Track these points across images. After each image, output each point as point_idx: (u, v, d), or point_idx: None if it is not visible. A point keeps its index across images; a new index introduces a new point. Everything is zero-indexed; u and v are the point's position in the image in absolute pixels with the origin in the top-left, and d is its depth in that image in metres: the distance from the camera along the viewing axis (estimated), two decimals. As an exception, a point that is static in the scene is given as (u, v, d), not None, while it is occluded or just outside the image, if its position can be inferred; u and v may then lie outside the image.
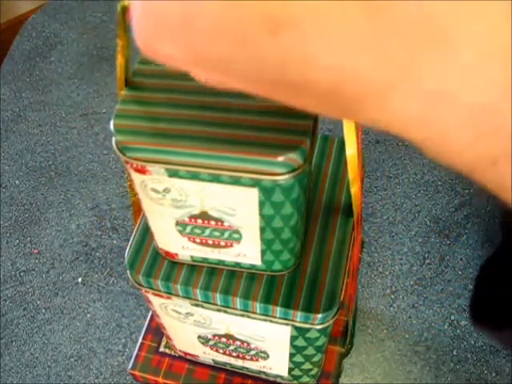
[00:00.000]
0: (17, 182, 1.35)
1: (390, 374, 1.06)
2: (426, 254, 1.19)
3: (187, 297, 0.50)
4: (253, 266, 0.47)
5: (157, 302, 0.53)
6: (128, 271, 0.50)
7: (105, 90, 1.49)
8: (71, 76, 1.53)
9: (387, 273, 1.17)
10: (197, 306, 0.51)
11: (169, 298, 0.51)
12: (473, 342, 1.08)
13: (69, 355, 1.11)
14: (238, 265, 0.47)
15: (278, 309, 0.47)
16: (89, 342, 1.12)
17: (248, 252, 0.44)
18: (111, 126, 0.36)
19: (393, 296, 1.14)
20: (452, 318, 1.11)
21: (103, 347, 1.12)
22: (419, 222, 1.23)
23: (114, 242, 1.24)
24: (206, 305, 0.50)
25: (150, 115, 0.35)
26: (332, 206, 0.52)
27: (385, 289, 1.15)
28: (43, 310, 1.17)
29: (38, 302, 1.18)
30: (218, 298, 0.48)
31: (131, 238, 0.52)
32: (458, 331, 1.09)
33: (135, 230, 0.52)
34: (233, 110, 0.35)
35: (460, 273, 1.16)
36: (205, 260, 0.47)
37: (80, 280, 1.20)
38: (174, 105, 0.36)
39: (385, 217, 1.24)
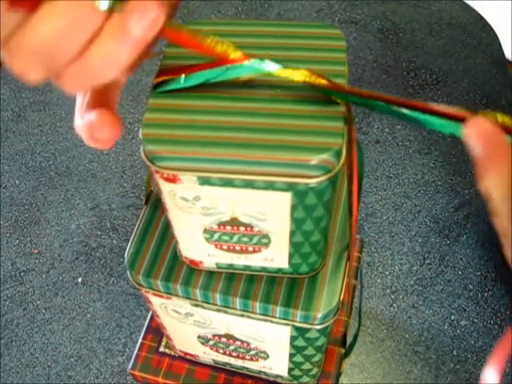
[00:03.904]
0: (17, 181, 1.35)
1: (390, 374, 1.06)
2: (426, 254, 1.19)
3: (187, 297, 0.50)
4: (279, 270, 0.47)
5: (157, 303, 0.53)
6: (128, 271, 0.50)
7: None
8: (71, 76, 1.53)
9: (387, 273, 1.17)
10: (197, 306, 0.51)
11: (169, 298, 0.51)
12: (473, 342, 1.08)
13: (69, 355, 1.11)
14: (264, 269, 0.47)
15: (278, 308, 0.47)
16: (89, 342, 1.12)
17: (275, 256, 0.44)
18: (140, 136, 0.35)
19: (393, 296, 1.14)
20: (452, 317, 1.11)
21: (103, 347, 1.12)
22: (419, 222, 1.23)
23: (114, 241, 1.24)
24: (205, 305, 0.50)
25: (179, 123, 0.35)
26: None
27: (385, 289, 1.15)
28: (43, 310, 1.17)
29: (38, 302, 1.18)
30: (218, 298, 0.48)
31: (131, 238, 0.52)
32: (458, 331, 1.09)
33: (135, 229, 0.52)
34: (263, 115, 0.35)
35: (460, 273, 1.16)
36: (230, 266, 0.47)
37: (80, 280, 1.20)
38: (203, 111, 0.35)
39: (385, 217, 1.24)
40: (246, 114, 0.35)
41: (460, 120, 0.28)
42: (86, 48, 0.27)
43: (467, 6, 1.60)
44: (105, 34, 0.27)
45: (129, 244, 0.51)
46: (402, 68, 1.49)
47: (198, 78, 0.35)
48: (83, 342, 1.12)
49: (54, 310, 1.16)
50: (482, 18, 1.57)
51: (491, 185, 0.26)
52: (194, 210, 0.39)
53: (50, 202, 1.31)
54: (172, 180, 0.36)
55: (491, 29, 1.54)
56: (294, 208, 0.38)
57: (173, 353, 0.72)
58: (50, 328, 1.14)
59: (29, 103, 1.49)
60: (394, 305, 1.13)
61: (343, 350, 0.73)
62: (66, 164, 1.37)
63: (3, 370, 1.10)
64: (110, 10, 0.26)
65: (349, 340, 0.78)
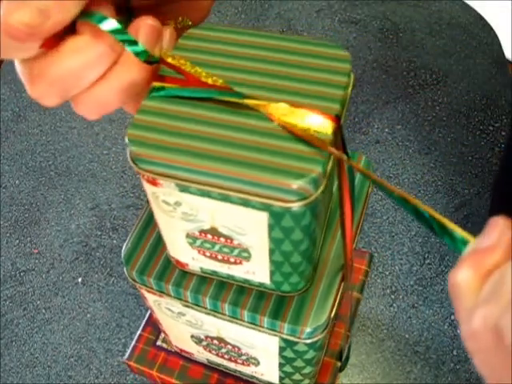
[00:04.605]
0: (17, 181, 1.35)
1: (390, 374, 1.06)
2: (426, 254, 1.19)
3: (178, 298, 0.50)
4: (262, 285, 0.46)
5: (151, 299, 0.54)
6: (124, 266, 0.50)
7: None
8: (72, 76, 1.54)
9: (387, 273, 1.17)
10: (187, 307, 0.51)
11: (161, 296, 0.51)
12: (473, 342, 1.08)
13: (69, 355, 1.11)
14: (247, 281, 0.47)
15: (266, 319, 0.47)
16: (89, 342, 1.13)
17: (257, 271, 0.44)
18: (126, 136, 0.35)
19: (393, 296, 1.14)
20: (452, 317, 1.11)
21: (103, 347, 1.12)
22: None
23: (114, 241, 1.24)
24: (196, 307, 0.50)
25: (167, 128, 0.35)
26: (333, 220, 0.51)
27: (385, 289, 1.15)
28: (43, 310, 1.17)
29: (38, 302, 1.18)
30: (208, 302, 0.48)
31: (130, 234, 0.52)
32: (458, 331, 1.09)
33: (135, 226, 0.53)
34: (249, 131, 0.34)
35: (460, 273, 1.16)
36: (214, 273, 0.47)
37: (80, 280, 1.20)
38: (191, 120, 0.35)
39: (385, 217, 1.24)
40: (233, 128, 0.34)
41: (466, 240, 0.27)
42: (103, 77, 0.31)
43: (467, 5, 1.60)
44: (121, 63, 0.31)
45: (127, 239, 0.52)
46: (402, 68, 1.48)
47: (189, 92, 0.35)
48: (83, 342, 1.13)
49: (53, 310, 1.17)
50: (482, 18, 1.57)
51: (466, 274, 0.25)
52: (176, 215, 0.39)
53: (49, 202, 1.31)
54: (153, 183, 0.36)
55: (491, 29, 1.54)
56: (271, 227, 0.37)
57: (169, 348, 0.72)
58: (50, 328, 1.15)
59: (29, 103, 1.50)
60: (394, 305, 1.13)
61: (339, 363, 0.72)
62: (66, 164, 1.38)
63: (3, 370, 1.10)
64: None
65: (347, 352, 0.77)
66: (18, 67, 0.31)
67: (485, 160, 1.30)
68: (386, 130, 1.37)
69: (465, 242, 0.27)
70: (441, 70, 1.48)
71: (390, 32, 1.57)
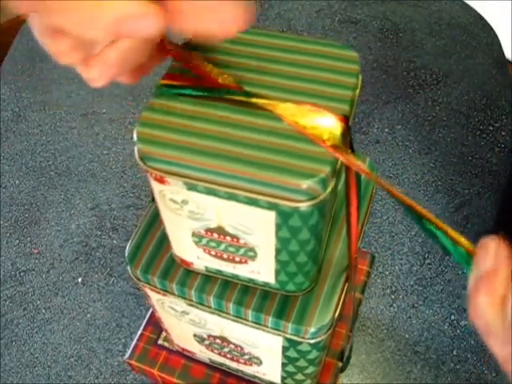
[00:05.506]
0: (17, 181, 1.35)
1: (390, 374, 1.06)
2: (426, 254, 1.19)
3: (182, 297, 0.50)
4: (266, 284, 0.47)
5: (154, 297, 0.54)
6: (128, 265, 0.50)
7: (105, 89, 1.49)
8: (71, 76, 1.53)
9: (387, 273, 1.17)
10: (191, 306, 0.51)
11: (165, 295, 0.51)
12: (473, 342, 1.08)
13: (69, 355, 1.11)
14: (251, 281, 0.47)
15: (270, 318, 0.47)
16: (89, 342, 1.12)
17: (262, 270, 0.44)
18: (134, 134, 0.35)
19: (393, 296, 1.14)
20: (452, 317, 1.11)
21: (103, 347, 1.12)
22: (419, 222, 1.23)
23: (114, 241, 1.24)
24: (200, 306, 0.50)
25: (175, 126, 0.35)
26: (337, 220, 0.52)
27: (385, 289, 1.15)
28: (43, 310, 1.17)
29: (38, 302, 1.18)
30: (212, 301, 0.48)
31: (133, 233, 0.52)
32: (458, 331, 1.09)
33: (139, 224, 0.53)
34: (257, 130, 0.35)
35: (460, 273, 1.16)
36: (219, 272, 0.47)
37: (80, 280, 1.20)
38: (199, 118, 0.35)
39: (385, 217, 1.24)
40: (242, 128, 0.34)
41: (470, 253, 0.30)
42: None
43: (467, 5, 1.60)
44: None
45: (131, 238, 0.52)
46: (402, 68, 1.48)
47: (198, 91, 0.35)
48: (83, 342, 1.12)
49: (53, 309, 1.17)
50: (482, 18, 1.57)
51: (484, 302, 0.28)
52: (183, 213, 0.39)
53: (49, 202, 1.31)
54: (161, 181, 0.36)
55: (491, 29, 1.54)
56: (278, 227, 0.37)
57: (171, 347, 0.72)
58: (50, 328, 1.14)
59: (29, 103, 1.49)
60: (394, 305, 1.13)
61: (340, 364, 0.72)
62: (66, 164, 1.37)
63: (3, 370, 1.10)
64: None
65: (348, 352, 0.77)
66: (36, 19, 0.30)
67: (485, 160, 1.30)
68: (386, 130, 1.37)
69: (464, 257, 0.29)
70: (441, 70, 1.48)
71: (390, 32, 1.57)
